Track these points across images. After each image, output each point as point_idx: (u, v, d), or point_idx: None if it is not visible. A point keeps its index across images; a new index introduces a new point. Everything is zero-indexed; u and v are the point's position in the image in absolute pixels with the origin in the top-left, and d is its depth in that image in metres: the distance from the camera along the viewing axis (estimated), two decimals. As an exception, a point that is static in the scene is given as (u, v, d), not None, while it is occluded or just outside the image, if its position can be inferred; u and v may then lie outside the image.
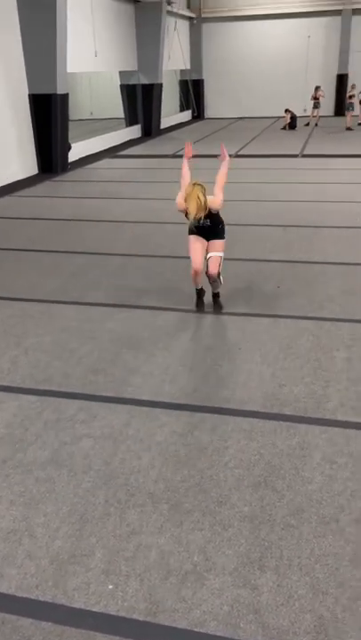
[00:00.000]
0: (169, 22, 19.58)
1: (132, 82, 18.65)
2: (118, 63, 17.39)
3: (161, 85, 19.16)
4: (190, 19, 23.74)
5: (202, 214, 4.75)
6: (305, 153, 14.73)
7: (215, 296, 5.37)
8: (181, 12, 21.63)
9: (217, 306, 5.34)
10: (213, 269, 5.01)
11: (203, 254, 5.04)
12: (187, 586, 2.49)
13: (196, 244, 5.04)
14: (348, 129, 18.88)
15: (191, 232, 5.08)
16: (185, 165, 5.19)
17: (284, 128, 19.85)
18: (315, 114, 20.32)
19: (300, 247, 7.12)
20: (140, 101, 18.90)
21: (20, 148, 12.22)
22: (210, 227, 4.96)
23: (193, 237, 5.06)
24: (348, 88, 19.74)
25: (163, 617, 2.36)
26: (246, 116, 24.83)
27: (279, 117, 21.92)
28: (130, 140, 18.36)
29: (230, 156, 5.39)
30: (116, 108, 20.35)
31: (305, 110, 22.28)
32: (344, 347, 4.57)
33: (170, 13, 19.46)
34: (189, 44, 24.09)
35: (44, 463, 3.31)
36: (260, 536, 2.74)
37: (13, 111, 11.85)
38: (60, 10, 11.47)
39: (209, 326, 5.08)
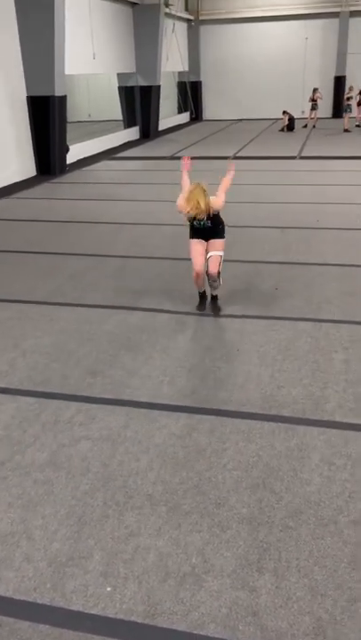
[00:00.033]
0: (167, 24, 19.61)
1: (130, 84, 18.66)
2: (116, 65, 17.41)
3: (159, 87, 19.18)
4: (188, 21, 23.77)
5: (204, 216, 4.84)
6: (303, 155, 14.75)
7: (214, 299, 5.39)
8: (179, 14, 21.67)
9: (215, 308, 5.35)
10: (214, 269, 5.05)
11: (204, 256, 5.09)
12: (185, 588, 2.49)
13: (197, 247, 5.10)
14: (346, 131, 18.92)
15: (192, 236, 5.14)
16: (184, 176, 5.23)
17: (282, 130, 19.88)
18: (313, 116, 20.36)
19: (298, 249, 7.12)
20: (139, 103, 18.91)
21: (17, 150, 12.22)
22: (210, 227, 5.01)
23: (194, 241, 5.13)
24: (346, 90, 19.77)
25: (161, 619, 2.35)
26: (244, 117, 24.86)
27: (277, 119, 21.95)
28: (128, 142, 18.37)
29: (228, 157, 5.46)
30: (115, 110, 20.36)
31: (303, 112, 22.32)
32: (342, 348, 4.57)
33: (168, 15, 19.49)
34: (187, 45, 24.13)
35: (43, 465, 3.30)
36: (258, 538, 2.74)
37: (11, 113, 11.85)
38: (58, 12, 11.48)
39: (207, 328, 5.08)
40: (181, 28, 22.93)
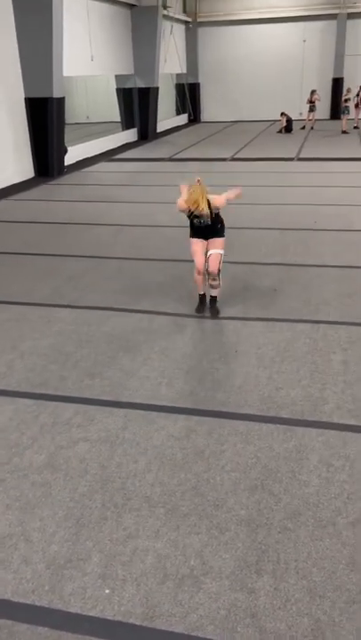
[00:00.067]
0: (165, 26, 19.63)
1: (128, 85, 18.68)
2: (114, 67, 17.42)
3: (157, 89, 19.20)
4: (186, 23, 23.80)
5: (205, 214, 4.88)
6: (301, 156, 14.76)
7: (213, 300, 5.39)
8: (177, 16, 21.70)
9: (214, 310, 5.36)
10: (214, 267, 5.09)
11: (204, 255, 5.14)
12: (183, 590, 2.49)
13: (198, 246, 5.16)
14: (344, 132, 18.94)
15: (192, 235, 5.17)
16: (182, 202, 5.12)
17: (280, 131, 19.90)
18: (310, 117, 20.38)
19: (296, 250, 7.13)
20: (137, 105, 18.92)
21: (16, 152, 12.22)
22: (210, 225, 5.05)
23: (194, 240, 5.18)
24: (344, 91, 19.80)
25: (159, 621, 2.35)
26: (242, 119, 24.89)
27: (275, 121, 21.98)
28: (126, 144, 18.38)
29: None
30: (113, 112, 20.38)
31: (301, 114, 22.35)
32: (340, 349, 4.57)
33: (166, 17, 19.52)
34: (185, 47, 24.15)
35: (41, 467, 3.30)
36: (256, 539, 2.74)
37: (9, 115, 11.85)
38: (56, 14, 11.49)
39: (205, 329, 5.08)
40: (179, 29, 22.97)
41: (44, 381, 4.22)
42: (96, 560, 2.65)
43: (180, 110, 24.67)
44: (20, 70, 11.91)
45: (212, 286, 5.29)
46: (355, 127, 19.84)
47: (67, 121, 14.29)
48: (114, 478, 3.18)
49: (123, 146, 18.01)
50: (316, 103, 20.21)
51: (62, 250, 7.46)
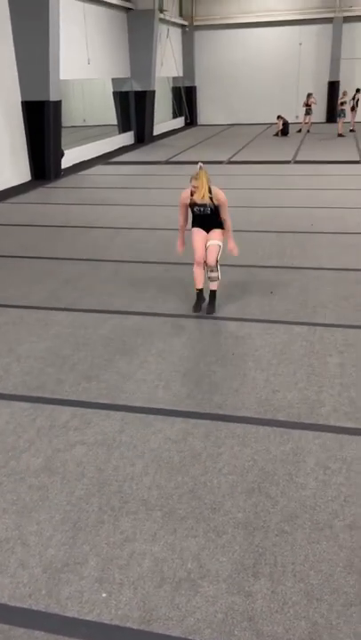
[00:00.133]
0: (161, 30, 19.67)
1: (124, 89, 18.71)
2: (111, 70, 17.46)
3: (154, 92, 19.24)
4: (183, 26, 23.87)
5: (208, 205, 5.03)
6: (297, 159, 14.81)
7: (212, 295, 5.44)
8: (174, 19, 21.76)
9: (210, 307, 5.39)
10: (211, 258, 5.17)
11: (204, 245, 5.22)
12: (181, 593, 2.48)
13: (198, 236, 5.24)
14: (340, 135, 19.01)
15: (193, 225, 5.28)
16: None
17: (276, 134, 19.96)
18: (307, 120, 20.45)
19: (292, 253, 7.14)
20: (133, 108, 18.96)
21: (12, 155, 12.22)
22: (209, 215, 5.14)
23: (195, 230, 5.27)
24: (340, 95, 19.87)
25: (157, 625, 2.34)
26: (239, 122, 24.95)
27: (271, 124, 22.03)
28: (123, 147, 18.40)
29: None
30: (109, 115, 20.40)
31: (297, 117, 22.43)
32: (337, 352, 4.58)
33: (162, 21, 19.57)
34: (182, 51, 24.21)
35: (38, 470, 3.29)
36: (254, 542, 2.73)
37: (6, 118, 11.85)
38: (52, 17, 11.51)
39: (202, 332, 5.08)
40: (176, 33, 23.03)
41: (40, 384, 4.22)
42: (93, 564, 2.65)
43: (176, 113, 24.72)
44: (16, 73, 11.92)
45: (210, 278, 5.33)
46: (351, 130, 19.92)
47: (63, 124, 14.31)
48: (111, 481, 3.18)
49: (119, 149, 18.03)
50: (313, 106, 20.28)
51: (59, 253, 7.46)
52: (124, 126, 19.22)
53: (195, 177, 4.99)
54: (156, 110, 19.97)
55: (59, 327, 5.18)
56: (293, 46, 23.86)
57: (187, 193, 5.11)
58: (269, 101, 23.89)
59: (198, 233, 5.25)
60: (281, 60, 24.07)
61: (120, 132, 19.11)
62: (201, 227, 5.25)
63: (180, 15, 23.62)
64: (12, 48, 11.69)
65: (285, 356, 4.53)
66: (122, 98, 18.86)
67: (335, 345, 4.70)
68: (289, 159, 14.81)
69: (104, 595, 2.49)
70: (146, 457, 3.37)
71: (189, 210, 5.22)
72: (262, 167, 13.70)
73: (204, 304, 5.46)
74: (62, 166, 13.56)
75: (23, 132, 12.39)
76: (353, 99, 19.47)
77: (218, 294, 5.51)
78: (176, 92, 24.29)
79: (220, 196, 5.05)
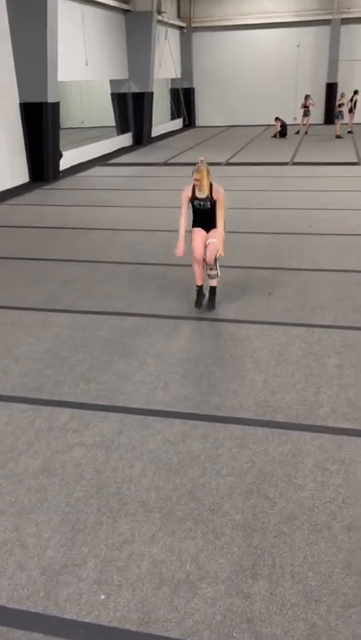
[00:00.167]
0: (159, 31, 19.70)
1: (122, 90, 18.73)
2: (109, 72, 17.47)
3: (152, 94, 19.25)
4: (181, 28, 23.90)
5: (207, 191, 5.12)
6: (295, 161, 14.82)
7: (212, 291, 5.51)
8: (172, 21, 21.79)
9: (211, 303, 5.48)
10: (210, 256, 5.23)
11: (203, 243, 5.28)
12: (179, 595, 2.48)
13: (198, 236, 5.33)
14: (338, 137, 19.03)
15: (194, 225, 5.38)
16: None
17: (274, 136, 19.98)
18: (305, 122, 20.48)
19: (290, 254, 7.15)
20: (131, 110, 18.98)
21: (10, 157, 12.22)
22: (209, 210, 5.21)
23: (195, 230, 5.35)
24: (338, 96, 19.90)
25: (155, 627, 2.34)
26: (237, 124, 24.98)
27: (269, 125, 22.06)
28: (121, 149, 18.41)
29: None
30: (108, 117, 20.41)
31: (295, 118, 22.46)
32: (335, 353, 4.58)
33: (160, 23, 19.59)
34: (180, 52, 24.24)
35: (36, 472, 3.29)
36: (252, 544, 2.74)
37: (4, 120, 11.85)
38: (50, 19, 11.52)
39: (201, 333, 5.08)
40: (174, 34, 23.06)
41: (39, 386, 4.21)
42: (91, 565, 2.65)
43: (174, 115, 24.75)
44: (14, 75, 11.92)
45: (209, 276, 5.41)
46: (349, 132, 19.95)
47: (61, 126, 14.32)
48: (109, 483, 3.18)
49: (118, 150, 18.04)
50: (311, 108, 20.31)
51: (57, 254, 7.46)
52: (122, 128, 19.23)
53: (196, 170, 5.08)
54: (154, 112, 19.99)
55: (57, 329, 5.18)
56: (291, 48, 23.90)
57: (188, 188, 5.22)
58: (268, 103, 23.92)
59: (198, 233, 5.34)
60: (279, 61, 24.11)
61: (118, 134, 19.12)
62: (201, 226, 5.32)
63: (178, 17, 23.66)
64: (11, 49, 11.69)
65: (284, 358, 4.53)
66: (120, 99, 18.88)
67: (333, 346, 4.71)
68: (287, 161, 14.83)
69: (102, 596, 2.49)
70: (144, 458, 3.37)
71: (190, 208, 5.31)
72: (260, 169, 13.72)
73: (205, 300, 5.53)
74: (60, 168, 13.56)
75: (21, 133, 12.39)
76: (351, 100, 19.48)
77: (217, 295, 5.54)
78: (174, 93, 24.32)
79: (220, 191, 5.15)
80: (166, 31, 20.92)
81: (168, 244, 7.60)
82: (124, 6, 17.48)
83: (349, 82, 22.92)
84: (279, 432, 3.59)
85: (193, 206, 5.28)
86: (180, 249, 5.33)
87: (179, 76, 23.78)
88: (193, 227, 5.39)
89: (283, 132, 19.85)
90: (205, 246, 5.28)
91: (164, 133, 22.35)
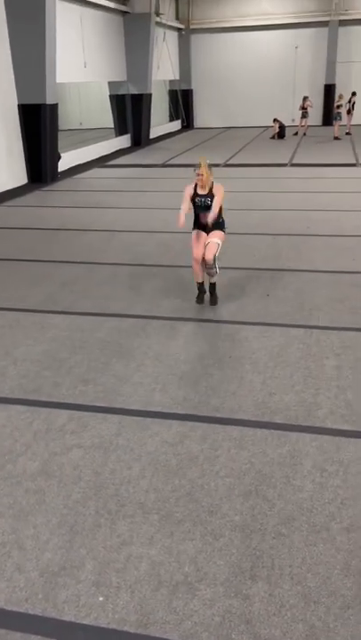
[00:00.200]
0: (158, 33, 19.73)
1: (121, 92, 18.74)
2: (107, 73, 17.48)
3: (150, 95, 19.27)
4: (179, 30, 23.93)
5: (208, 185, 5.26)
6: (294, 162, 14.84)
7: (212, 288, 5.63)
8: (170, 23, 21.81)
9: (213, 298, 5.61)
10: (209, 255, 5.33)
11: (202, 244, 5.40)
12: (178, 597, 2.48)
13: (197, 236, 5.46)
14: (336, 138, 19.06)
15: (194, 227, 5.50)
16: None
17: (272, 137, 20.00)
18: (303, 123, 20.51)
19: (288, 256, 7.15)
20: (130, 111, 18.99)
21: (9, 158, 12.21)
22: (210, 207, 5.29)
23: (195, 232, 5.48)
24: (336, 98, 19.93)
25: (154, 629, 2.34)
26: (235, 125, 25.00)
27: (268, 127, 22.09)
28: (119, 150, 18.42)
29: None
30: (106, 118, 20.42)
31: (293, 120, 22.48)
32: (334, 354, 4.58)
33: (158, 24, 19.62)
34: (178, 54, 24.27)
35: (34, 474, 3.28)
36: (251, 545, 2.73)
37: (2, 121, 11.85)
38: (49, 20, 11.53)
39: (199, 335, 5.08)
40: (172, 36, 23.08)
41: (37, 388, 4.21)
42: (90, 567, 2.64)
43: (173, 117, 24.77)
44: (13, 77, 11.93)
45: (209, 274, 5.54)
46: (347, 133, 19.97)
47: (60, 127, 14.31)
48: (108, 485, 3.17)
49: (116, 152, 18.05)
50: (309, 109, 20.35)
51: (56, 256, 7.45)
52: (120, 129, 19.24)
53: (198, 165, 5.21)
54: (152, 113, 20.00)
55: (55, 330, 5.18)
56: (290, 49, 23.95)
57: (190, 186, 5.34)
58: (266, 104, 23.95)
59: (198, 234, 5.47)
60: (277, 63, 24.15)
61: (117, 135, 19.13)
62: (201, 226, 5.42)
63: (177, 18, 23.68)
64: (9, 51, 11.70)
65: (282, 359, 4.53)
66: (118, 101, 18.89)
67: (332, 347, 4.71)
68: (285, 162, 14.85)
69: (101, 598, 2.48)
70: (143, 460, 3.37)
71: (191, 205, 5.40)
72: (259, 170, 13.73)
73: (206, 296, 5.66)
74: (59, 169, 13.56)
75: (20, 135, 12.39)
76: (349, 102, 19.51)
77: (218, 278, 5.71)
78: (173, 95, 24.34)
79: (220, 188, 5.27)
80: (165, 33, 20.95)
81: (166, 245, 7.63)
82: (123, 8, 17.50)
83: (347, 83, 22.97)
84: (278, 433, 3.59)
85: (194, 203, 5.37)
86: (180, 221, 5.33)
87: (177, 77, 23.81)
88: (193, 228, 5.52)
89: (281, 134, 19.87)
90: (205, 246, 5.37)
91: (163, 135, 22.36)
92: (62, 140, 14.56)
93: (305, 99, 20.28)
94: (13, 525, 2.90)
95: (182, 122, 24.99)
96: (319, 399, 3.95)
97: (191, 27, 24.21)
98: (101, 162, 16.06)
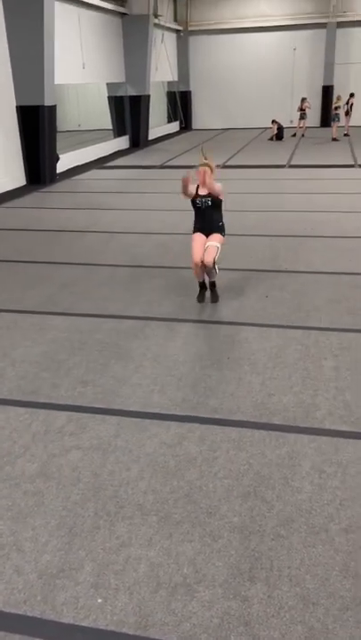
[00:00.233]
0: (156, 35, 19.75)
1: (119, 93, 18.76)
2: (106, 75, 17.49)
3: (149, 97, 19.29)
4: (177, 31, 23.96)
5: (206, 189, 5.33)
6: (292, 163, 14.86)
7: (212, 285, 5.71)
8: (168, 24, 21.84)
9: (214, 295, 5.69)
10: (209, 258, 5.36)
11: (202, 248, 5.44)
12: (177, 598, 2.48)
13: (197, 240, 5.51)
14: (334, 139, 19.09)
15: (194, 230, 5.56)
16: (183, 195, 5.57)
17: (271, 139, 20.03)
18: (301, 125, 20.54)
19: (286, 257, 7.16)
20: (128, 113, 19.01)
21: (7, 160, 12.22)
22: (210, 208, 5.37)
23: (195, 235, 5.54)
24: (334, 99, 19.99)
25: (153, 631, 2.33)
26: (233, 126, 25.02)
27: (266, 128, 22.12)
28: (118, 151, 18.43)
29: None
30: (104, 120, 20.44)
31: (291, 121, 22.53)
32: (332, 356, 4.59)
33: (157, 26, 19.64)
34: (177, 56, 24.31)
35: (33, 476, 3.28)
36: (249, 547, 2.73)
37: (1, 123, 11.85)
38: (47, 22, 11.54)
39: (197, 336, 5.08)
40: (170, 38, 23.11)
41: (36, 389, 4.21)
42: (89, 569, 2.64)
43: (171, 118, 24.79)
44: (11, 78, 11.93)
45: (208, 275, 5.62)
46: (345, 134, 20.01)
47: (58, 129, 14.32)
48: (106, 486, 3.17)
49: (114, 153, 18.06)
50: (307, 111, 20.38)
51: (54, 257, 7.45)
52: (119, 131, 19.26)
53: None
54: (150, 115, 20.02)
55: (54, 331, 5.17)
56: (288, 51, 24.00)
57: (192, 186, 5.40)
58: (264, 106, 23.99)
59: (197, 237, 5.51)
60: (275, 64, 24.20)
61: (115, 137, 19.15)
62: (201, 228, 5.48)
63: (175, 20, 23.72)
64: (7, 52, 11.70)
65: (281, 360, 4.53)
66: (117, 102, 18.91)
67: (330, 348, 4.71)
68: (284, 163, 14.86)
69: (100, 600, 2.48)
70: (141, 461, 3.37)
71: (192, 205, 5.50)
72: (257, 171, 13.74)
73: (207, 294, 5.73)
74: (57, 171, 13.57)
75: (18, 136, 12.39)
76: (347, 103, 19.56)
77: (218, 277, 5.78)
78: (171, 96, 24.36)
79: (220, 185, 5.34)
80: (163, 34, 20.98)
81: (165, 247, 7.63)
82: (121, 9, 17.51)
83: (345, 85, 23.03)
84: (276, 434, 3.59)
85: (195, 204, 5.43)
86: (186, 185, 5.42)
87: (175, 79, 23.84)
88: (193, 231, 5.57)
89: (279, 135, 19.90)
90: (205, 250, 5.40)
91: (161, 136, 22.39)
92: (61, 142, 14.57)
93: (303, 100, 20.31)
94: (12, 527, 2.90)
95: (181, 123, 25.02)
96: (318, 400, 3.95)
97: (189, 28, 24.26)
98: (100, 163, 16.07)
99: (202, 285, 5.72)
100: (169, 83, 23.85)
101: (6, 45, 11.64)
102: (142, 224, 9.00)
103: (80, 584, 2.56)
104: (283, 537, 2.78)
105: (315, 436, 3.56)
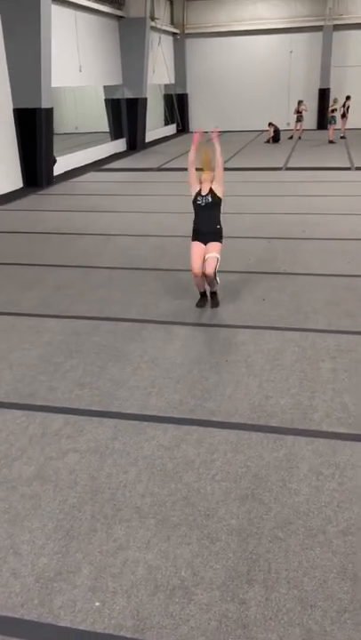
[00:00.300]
0: (153, 37, 19.77)
1: (116, 96, 18.77)
2: (103, 78, 17.50)
3: (145, 99, 19.30)
4: (174, 34, 24.00)
5: (209, 184, 5.43)
6: (289, 166, 14.88)
7: (213, 295, 5.72)
8: (165, 27, 21.87)
9: (214, 302, 5.67)
10: (210, 270, 5.34)
11: (201, 259, 5.40)
12: (174, 601, 2.47)
13: (196, 249, 5.45)
14: (331, 142, 19.13)
15: (193, 238, 5.52)
16: (193, 151, 5.76)
17: (267, 141, 20.06)
18: (298, 127, 20.58)
19: (284, 259, 7.17)
20: (125, 115, 19.01)
21: (4, 162, 12.20)
22: (210, 208, 5.38)
23: (193, 244, 5.48)
24: (330, 102, 20.02)
25: (150, 634, 2.33)
26: (230, 129, 25.06)
27: (263, 131, 22.14)
28: (115, 154, 18.43)
29: (219, 132, 5.97)
30: (101, 122, 20.44)
31: (288, 124, 22.55)
32: (329, 358, 4.59)
33: (153, 29, 19.66)
34: (173, 58, 24.33)
35: (30, 479, 3.27)
36: (247, 549, 2.73)
37: (-2, 125, 11.86)
38: (44, 25, 11.54)
39: (195, 338, 5.08)
40: (167, 41, 23.14)
41: (33, 392, 4.20)
42: (86, 572, 2.63)
43: (168, 120, 24.81)
44: (8, 81, 11.93)
45: (210, 285, 5.60)
46: (341, 137, 20.06)
47: (55, 131, 14.33)
48: (104, 489, 3.16)
49: (111, 156, 18.06)
50: (304, 113, 20.41)
51: (51, 260, 7.44)
52: (115, 133, 19.26)
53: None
54: (147, 117, 20.03)
55: (51, 334, 5.17)
56: (284, 54, 24.05)
57: (197, 184, 5.47)
58: (261, 108, 24.02)
59: (196, 246, 5.46)
60: (272, 67, 24.25)
61: (112, 139, 19.15)
62: (201, 229, 5.45)
63: (172, 23, 23.76)
64: (4, 56, 11.70)
65: (278, 362, 4.53)
66: (114, 105, 18.92)
67: (327, 350, 4.71)
68: (280, 166, 14.89)
69: (97, 603, 2.47)
70: (139, 464, 3.36)
71: (192, 205, 5.50)
72: (254, 174, 13.76)
73: (208, 300, 5.74)
74: (54, 173, 13.56)
75: (15, 139, 12.38)
76: (343, 106, 19.61)
77: (220, 287, 5.79)
78: (168, 99, 24.39)
79: (218, 185, 5.42)
80: (160, 37, 20.99)
81: (161, 249, 7.63)
82: (118, 12, 17.54)
83: (342, 87, 23.07)
84: (274, 437, 3.59)
85: (196, 204, 5.43)
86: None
87: (172, 81, 23.86)
88: (192, 240, 5.53)
89: (276, 138, 19.93)
90: (205, 260, 5.37)
91: (158, 139, 22.40)
92: (58, 144, 14.57)
93: (300, 103, 20.35)
94: (9, 530, 2.89)
95: (177, 126, 25.04)
96: (315, 402, 3.95)
97: (186, 31, 24.30)
98: (97, 166, 16.07)
99: (202, 294, 5.73)
100: (166, 85, 23.87)
101: (3, 48, 11.64)
102: (139, 226, 9.00)
103: (77, 587, 2.55)
104: (280, 539, 2.78)
105: (312, 438, 3.56)
